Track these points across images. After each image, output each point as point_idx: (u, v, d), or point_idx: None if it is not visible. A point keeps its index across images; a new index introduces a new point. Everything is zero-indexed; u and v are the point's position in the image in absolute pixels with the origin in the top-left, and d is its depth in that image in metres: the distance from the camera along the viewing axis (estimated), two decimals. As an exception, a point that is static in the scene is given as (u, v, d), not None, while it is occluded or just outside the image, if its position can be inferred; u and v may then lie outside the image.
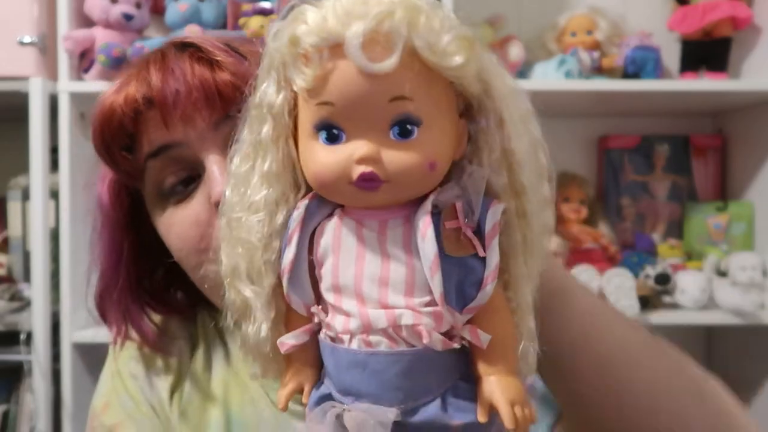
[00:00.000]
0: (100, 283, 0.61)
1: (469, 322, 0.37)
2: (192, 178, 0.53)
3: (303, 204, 0.37)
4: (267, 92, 0.37)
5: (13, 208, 1.33)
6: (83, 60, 1.23)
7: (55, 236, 1.22)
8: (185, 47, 0.52)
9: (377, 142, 0.34)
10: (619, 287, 1.22)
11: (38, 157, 1.19)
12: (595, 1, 1.43)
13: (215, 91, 0.50)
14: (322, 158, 0.34)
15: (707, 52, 1.32)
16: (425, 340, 0.35)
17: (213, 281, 0.49)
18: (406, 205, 0.36)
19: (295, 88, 0.35)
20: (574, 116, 1.50)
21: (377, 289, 0.36)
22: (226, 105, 0.50)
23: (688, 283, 1.25)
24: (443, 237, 0.35)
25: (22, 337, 1.19)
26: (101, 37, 1.21)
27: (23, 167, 1.22)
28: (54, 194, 1.22)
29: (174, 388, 0.61)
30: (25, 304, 1.25)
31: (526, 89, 0.40)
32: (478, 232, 0.36)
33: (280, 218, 0.38)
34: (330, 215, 0.38)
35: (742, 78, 1.37)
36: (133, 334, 0.62)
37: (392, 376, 0.37)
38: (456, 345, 0.36)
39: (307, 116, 0.35)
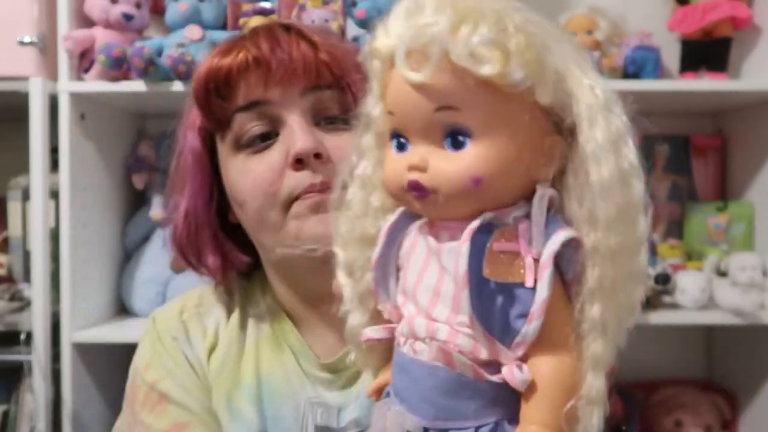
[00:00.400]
0: (189, 225, 0.66)
1: (525, 360, 0.35)
2: (268, 134, 0.60)
3: (399, 210, 0.39)
4: (368, 103, 0.42)
5: (13, 208, 1.33)
6: (83, 60, 1.23)
7: (55, 236, 1.22)
8: (288, 29, 0.61)
9: (432, 152, 0.34)
10: (619, 287, 1.22)
11: (38, 157, 1.19)
12: (595, 1, 1.43)
13: (312, 65, 0.58)
14: (389, 165, 0.36)
15: (707, 52, 1.32)
16: (450, 359, 0.35)
17: (270, 227, 0.59)
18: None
19: None
20: (574, 116, 1.50)
21: (429, 299, 0.36)
22: (318, 78, 0.59)
23: (688, 283, 1.25)
24: (488, 258, 0.34)
25: (22, 337, 1.19)
26: (101, 37, 1.20)
27: (23, 167, 1.22)
28: (54, 194, 1.22)
29: (212, 349, 0.67)
30: (25, 304, 1.25)
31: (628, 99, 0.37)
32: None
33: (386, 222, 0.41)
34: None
35: (742, 78, 1.37)
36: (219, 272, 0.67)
37: (428, 389, 0.36)
38: (489, 377, 0.35)
39: (386, 126, 0.37)
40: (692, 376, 1.51)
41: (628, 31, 1.39)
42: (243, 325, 0.68)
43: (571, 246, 0.35)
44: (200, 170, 0.66)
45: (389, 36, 0.35)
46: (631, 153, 0.36)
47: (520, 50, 0.33)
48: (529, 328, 0.34)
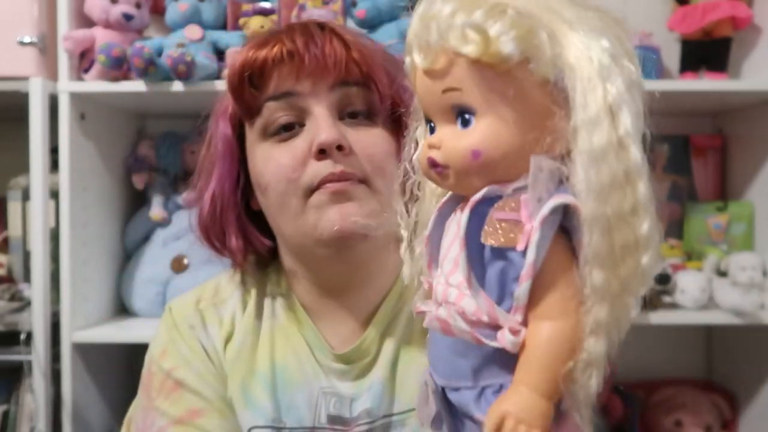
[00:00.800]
0: (215, 207, 0.68)
1: (527, 324, 0.36)
2: (293, 125, 0.63)
3: (450, 192, 0.41)
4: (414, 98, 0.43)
5: (13, 208, 1.33)
6: (83, 60, 1.23)
7: (55, 236, 1.22)
8: (323, 27, 0.64)
9: (448, 132, 0.37)
10: (619, 287, 1.22)
11: (38, 157, 1.19)
12: (595, 1, 1.43)
13: (343, 62, 0.61)
14: (422, 148, 0.39)
15: (707, 52, 1.32)
16: (448, 327, 0.38)
17: (290, 213, 0.62)
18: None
19: None
20: (574, 116, 1.50)
21: (450, 268, 0.38)
22: (347, 74, 0.62)
23: (688, 283, 1.25)
24: (488, 225, 0.36)
25: (22, 337, 1.19)
26: (101, 37, 1.21)
27: (23, 167, 1.22)
28: (54, 194, 1.22)
29: (228, 338, 0.69)
30: (25, 304, 1.25)
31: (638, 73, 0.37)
32: None
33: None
34: None
35: (742, 78, 1.37)
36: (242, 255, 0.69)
37: (443, 350, 0.40)
38: (486, 341, 0.36)
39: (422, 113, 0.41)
40: (692, 376, 1.51)
41: (628, 31, 1.39)
42: (258, 315, 0.70)
43: (570, 213, 0.36)
44: (229, 156, 0.68)
45: (409, 30, 0.39)
46: (627, 120, 0.36)
47: (505, 29, 0.35)
48: (520, 290, 0.35)
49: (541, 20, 0.36)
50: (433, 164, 0.37)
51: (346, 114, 0.63)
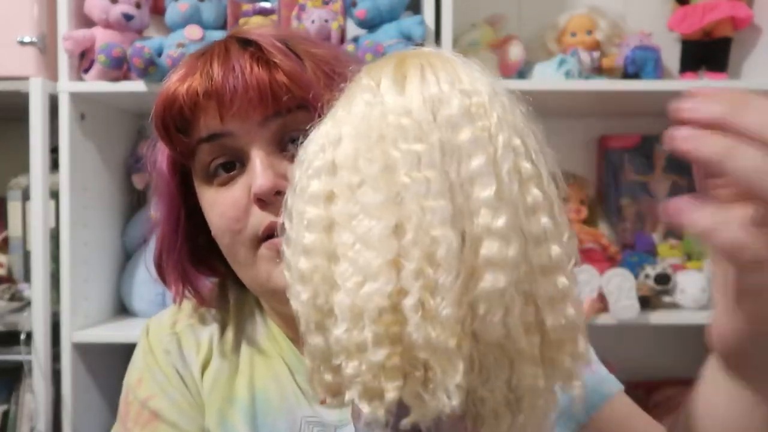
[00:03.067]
0: (160, 246, 0.66)
1: None
2: (234, 163, 0.57)
3: None
4: None
5: (13, 208, 1.33)
6: (83, 60, 1.23)
7: (55, 236, 1.22)
8: (247, 44, 0.57)
9: None
10: (619, 287, 1.22)
11: (38, 157, 1.19)
12: (595, 1, 1.43)
13: (269, 92, 0.54)
14: None
15: (707, 52, 1.32)
16: None
17: (242, 263, 0.58)
18: None
19: None
20: (574, 116, 1.50)
21: None
22: (277, 104, 0.54)
23: (688, 283, 1.25)
24: None
25: (22, 337, 1.19)
26: (101, 37, 1.21)
27: (23, 167, 1.22)
28: (54, 194, 1.22)
29: (205, 364, 0.65)
30: (25, 304, 1.25)
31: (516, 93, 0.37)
32: None
33: None
34: None
35: (742, 78, 1.37)
36: (188, 293, 0.67)
37: None
38: None
39: None
40: (692, 376, 1.50)
41: (628, 31, 1.39)
42: (237, 339, 0.67)
43: None
44: (167, 196, 0.64)
45: None
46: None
47: None
48: None
49: None
50: None
51: (288, 141, 0.57)
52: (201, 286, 0.66)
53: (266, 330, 0.67)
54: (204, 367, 0.65)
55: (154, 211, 0.66)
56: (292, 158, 0.52)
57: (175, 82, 0.57)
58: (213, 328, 0.67)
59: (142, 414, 0.63)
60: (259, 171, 0.54)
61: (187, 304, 0.70)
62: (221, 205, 0.57)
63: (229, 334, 0.67)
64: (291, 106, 0.55)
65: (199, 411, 0.64)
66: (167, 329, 0.67)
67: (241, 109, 0.55)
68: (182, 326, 0.67)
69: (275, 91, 0.54)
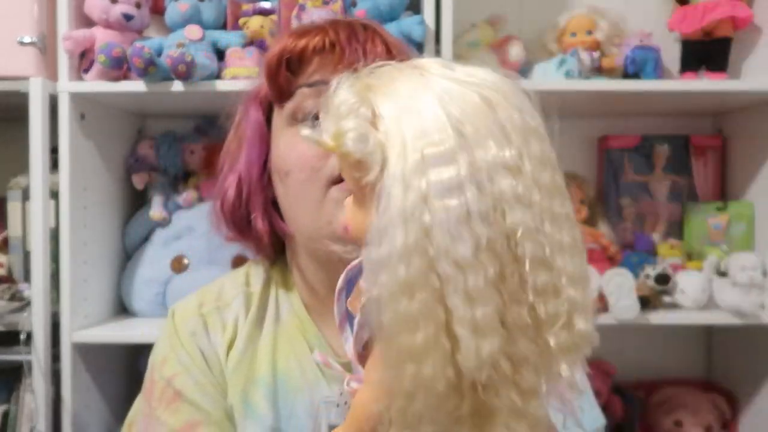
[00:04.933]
0: (241, 191, 0.68)
1: None
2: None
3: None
4: None
5: (13, 208, 1.33)
6: (83, 60, 1.23)
7: (55, 236, 1.22)
8: (366, 27, 0.64)
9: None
10: (619, 287, 1.22)
11: (38, 157, 1.19)
12: (595, 1, 1.43)
13: (383, 60, 0.59)
14: None
15: (707, 52, 1.32)
16: None
17: (309, 201, 0.61)
18: None
19: None
20: (574, 116, 1.50)
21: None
22: None
23: (688, 283, 1.25)
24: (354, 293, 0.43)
25: (22, 337, 1.19)
26: (101, 37, 1.20)
27: (23, 167, 1.22)
28: (54, 194, 1.22)
29: (230, 345, 0.68)
30: (25, 304, 1.24)
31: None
32: None
33: None
34: None
35: (742, 78, 1.37)
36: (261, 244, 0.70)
37: None
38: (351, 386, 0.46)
39: None
40: (692, 376, 1.51)
41: (628, 31, 1.39)
42: (261, 319, 0.69)
43: None
44: (258, 140, 0.68)
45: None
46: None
47: (350, 127, 0.39)
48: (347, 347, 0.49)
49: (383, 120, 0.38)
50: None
51: None
52: (281, 227, 0.68)
53: (291, 311, 0.69)
54: (229, 348, 0.68)
55: (230, 161, 0.70)
56: None
57: (296, 37, 0.63)
58: (238, 309, 0.70)
59: (166, 392, 0.66)
60: None
61: (212, 288, 0.73)
62: (304, 144, 0.61)
63: (253, 314, 0.69)
64: None
65: (222, 392, 0.66)
66: (194, 311, 0.70)
67: (352, 65, 0.58)
68: (209, 308, 0.70)
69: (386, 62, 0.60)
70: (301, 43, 0.62)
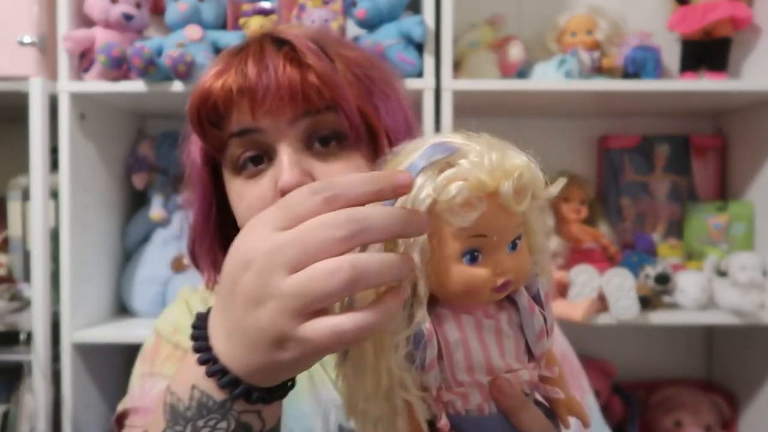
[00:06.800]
0: (193, 235, 0.68)
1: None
2: (262, 157, 0.60)
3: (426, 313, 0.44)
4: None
5: (13, 208, 1.33)
6: (83, 60, 1.23)
7: (55, 236, 1.22)
8: (282, 44, 0.59)
9: (505, 256, 0.43)
10: (619, 287, 1.22)
11: (38, 157, 1.19)
12: (595, 1, 1.43)
13: (300, 91, 0.56)
14: (470, 274, 0.43)
15: (707, 52, 1.32)
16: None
17: None
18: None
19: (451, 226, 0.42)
20: (574, 116, 1.50)
21: (501, 360, 0.44)
22: (307, 104, 0.57)
23: (688, 283, 1.25)
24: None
25: (22, 337, 1.19)
26: (101, 37, 1.21)
27: (23, 167, 1.22)
28: (54, 194, 1.22)
29: None
30: (25, 304, 1.25)
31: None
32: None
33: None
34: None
35: (742, 78, 1.37)
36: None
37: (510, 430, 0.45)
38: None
39: (455, 246, 0.43)
40: (692, 376, 1.51)
41: (628, 31, 1.39)
42: None
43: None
44: (200, 187, 0.67)
45: (486, 181, 0.41)
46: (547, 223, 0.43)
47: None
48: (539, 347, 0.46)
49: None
50: (507, 284, 0.43)
51: (316, 140, 0.59)
52: None
53: None
54: None
55: (187, 201, 0.69)
56: (318, 156, 0.59)
57: (211, 78, 0.59)
58: None
59: (174, 353, 0.67)
60: (287, 166, 0.56)
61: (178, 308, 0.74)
62: (248, 196, 0.59)
63: None
64: (320, 106, 0.57)
65: None
66: (207, 296, 0.71)
67: (272, 106, 0.57)
68: (198, 309, 0.70)
69: (306, 91, 0.56)
70: (213, 91, 0.58)
